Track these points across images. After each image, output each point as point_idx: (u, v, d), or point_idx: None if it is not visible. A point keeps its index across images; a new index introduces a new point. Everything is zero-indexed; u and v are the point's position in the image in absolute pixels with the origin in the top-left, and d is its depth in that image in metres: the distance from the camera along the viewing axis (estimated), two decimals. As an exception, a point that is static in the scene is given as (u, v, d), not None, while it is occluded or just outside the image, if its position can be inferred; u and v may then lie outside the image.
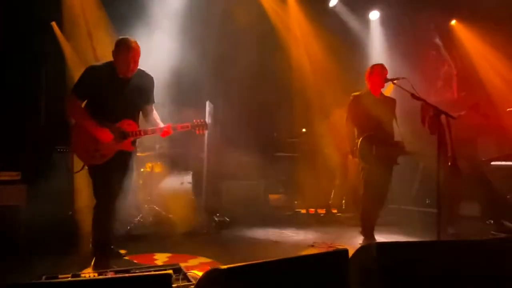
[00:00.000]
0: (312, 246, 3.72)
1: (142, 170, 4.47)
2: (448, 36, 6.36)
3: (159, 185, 4.41)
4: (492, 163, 4.52)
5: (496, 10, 5.29)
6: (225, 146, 5.29)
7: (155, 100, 3.08)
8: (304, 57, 5.96)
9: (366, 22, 6.43)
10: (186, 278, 2.18)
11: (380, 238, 3.73)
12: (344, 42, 5.85)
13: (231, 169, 5.22)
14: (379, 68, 3.61)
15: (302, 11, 6.04)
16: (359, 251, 2.15)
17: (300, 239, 4.08)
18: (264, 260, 1.55)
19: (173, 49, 4.86)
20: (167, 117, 3.46)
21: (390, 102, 3.70)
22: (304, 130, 6.18)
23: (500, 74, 5.56)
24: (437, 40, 6.51)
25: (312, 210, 5.55)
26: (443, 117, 2.73)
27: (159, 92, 3.21)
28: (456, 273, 2.19)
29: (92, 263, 2.76)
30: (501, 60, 5.51)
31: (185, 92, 5.01)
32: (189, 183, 4.61)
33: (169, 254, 3.37)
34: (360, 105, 3.60)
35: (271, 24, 5.91)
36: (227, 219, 4.59)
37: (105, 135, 2.75)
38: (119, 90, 2.82)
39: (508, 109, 4.74)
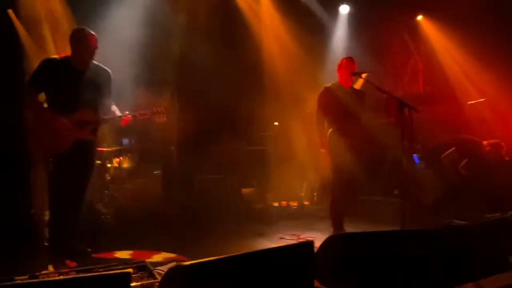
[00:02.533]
0: (282, 238, 3.74)
1: (109, 165, 4.33)
2: (415, 31, 6.54)
3: (127, 180, 4.29)
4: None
5: (459, 7, 5.49)
6: (196, 140, 5.21)
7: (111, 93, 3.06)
8: (275, 50, 5.93)
9: (336, 15, 6.50)
10: (152, 275, 2.13)
11: (350, 229, 3.80)
12: (314, 35, 5.89)
13: (203, 163, 5.15)
14: (349, 62, 3.69)
15: (273, 3, 6.01)
16: (326, 242, 2.17)
17: (270, 232, 4.09)
18: (228, 255, 1.52)
19: (139, 37, 4.69)
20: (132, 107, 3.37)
21: (359, 94, 3.78)
22: (276, 123, 6.19)
23: (462, 69, 5.79)
24: (405, 35, 6.68)
25: (284, 203, 5.58)
26: (406, 109, 2.80)
27: (123, 82, 3.15)
28: (419, 260, 2.27)
29: (50, 263, 2.68)
30: (463, 56, 5.73)
31: (152, 84, 4.86)
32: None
33: (132, 252, 3.27)
34: (330, 97, 3.66)
35: (242, 15, 5.84)
36: (198, 214, 4.54)
37: (62, 124, 2.74)
38: (74, 81, 2.81)
39: (469, 102, 4.96)
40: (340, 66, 3.74)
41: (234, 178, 5.61)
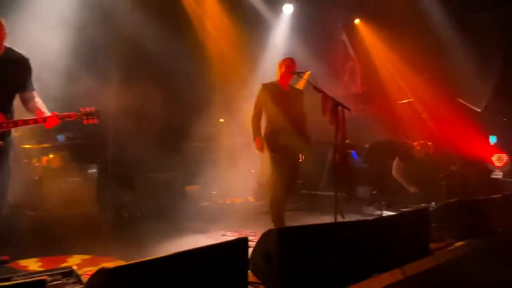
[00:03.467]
0: (224, 235, 3.75)
1: (37, 164, 3.99)
2: (353, 34, 6.91)
3: (58, 180, 3.98)
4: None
5: (392, 13, 5.90)
6: (136, 136, 4.99)
7: (34, 86, 2.73)
8: (219, 46, 5.90)
9: (279, 15, 6.62)
10: (79, 281, 2.01)
11: (291, 223, 3.91)
12: (257, 34, 5.95)
13: (144, 161, 4.95)
14: (289, 61, 3.78)
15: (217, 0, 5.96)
16: (262, 237, 2.22)
17: (213, 230, 4.07)
18: (158, 256, 1.48)
19: (73, 28, 4.38)
20: (63, 104, 3.12)
21: (298, 93, 3.88)
22: (221, 120, 6.17)
23: (395, 71, 6.25)
24: (344, 37, 7.03)
25: (229, 200, 5.60)
26: (340, 108, 2.95)
27: (52, 76, 2.88)
28: (349, 250, 2.40)
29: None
30: (396, 58, 6.18)
31: (87, 78, 4.55)
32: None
33: (59, 256, 3.05)
34: (269, 95, 3.71)
35: (184, 10, 5.71)
36: (138, 214, 4.37)
37: None
38: None
39: (399, 102, 5.36)
40: (280, 65, 3.79)
41: (178, 176, 5.50)
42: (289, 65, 3.74)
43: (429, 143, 5.03)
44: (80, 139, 4.41)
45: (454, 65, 5.57)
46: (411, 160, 5.05)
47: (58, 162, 4.09)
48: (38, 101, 2.73)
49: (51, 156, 4.03)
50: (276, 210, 3.70)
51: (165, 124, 5.41)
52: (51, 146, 4.06)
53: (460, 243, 3.25)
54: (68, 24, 4.37)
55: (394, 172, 5.03)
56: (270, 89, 3.74)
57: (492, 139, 5.75)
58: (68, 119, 2.66)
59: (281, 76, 3.77)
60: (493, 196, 3.97)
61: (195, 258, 1.59)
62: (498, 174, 5.41)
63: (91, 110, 2.70)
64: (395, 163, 5.04)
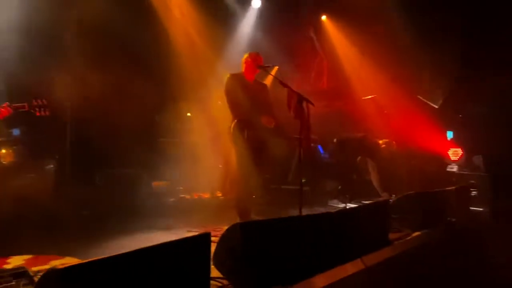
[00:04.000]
0: (190, 231, 3.70)
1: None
2: (320, 30, 7.01)
3: (12, 176, 3.74)
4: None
5: (357, 12, 6.05)
6: (99, 131, 4.79)
7: None
8: (184, 38, 5.78)
9: (248, 9, 6.59)
10: (32, 282, 1.91)
11: (259, 218, 3.93)
12: (225, 27, 5.89)
13: (107, 156, 4.77)
14: (254, 55, 3.80)
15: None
16: (227, 232, 2.20)
17: (179, 226, 4.00)
18: (113, 255, 1.43)
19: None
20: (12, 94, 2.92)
21: (263, 87, 3.91)
22: (188, 114, 6.08)
23: (359, 68, 6.42)
24: (312, 33, 7.12)
25: (196, 195, 5.54)
26: (305, 103, 2.99)
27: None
28: (312, 242, 2.45)
29: None
30: (360, 56, 6.35)
31: (41, 63, 4.26)
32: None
33: (26, 256, 2.91)
34: (236, 85, 3.70)
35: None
36: (98, 211, 4.20)
37: None
38: None
39: (363, 98, 5.52)
40: (246, 58, 3.80)
41: (144, 171, 5.36)
42: (255, 59, 3.75)
43: (393, 142, 5.25)
44: (36, 133, 4.17)
45: (414, 64, 5.81)
46: (377, 158, 5.25)
47: (12, 157, 3.85)
48: None
49: (3, 151, 3.78)
50: (242, 205, 3.70)
51: (130, 118, 5.22)
52: (3, 140, 3.81)
53: (417, 233, 3.41)
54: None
55: (372, 179, 5.20)
56: (237, 79, 3.74)
57: (449, 135, 6.08)
58: (21, 109, 2.52)
59: (246, 69, 3.77)
60: (448, 188, 4.21)
61: (155, 254, 1.55)
62: (453, 168, 5.73)
63: (43, 103, 2.57)
64: (370, 167, 5.22)
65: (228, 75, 3.80)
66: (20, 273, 1.97)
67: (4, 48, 2.52)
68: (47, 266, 2.62)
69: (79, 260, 2.82)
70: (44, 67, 4.06)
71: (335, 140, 5.73)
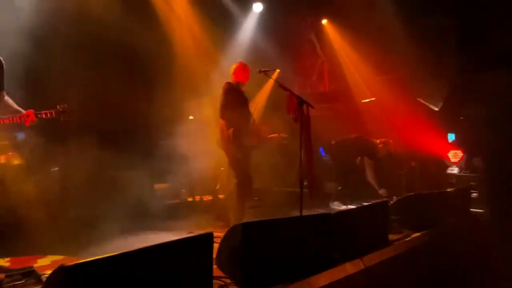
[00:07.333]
0: (191, 233, 3.74)
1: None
2: (321, 34, 7.07)
3: (18, 179, 3.79)
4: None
5: (357, 16, 6.11)
6: (103, 134, 4.85)
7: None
8: (187, 42, 5.84)
9: (249, 13, 6.66)
10: (40, 281, 1.96)
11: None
12: (226, 31, 5.95)
13: (110, 158, 4.82)
14: (243, 65, 3.92)
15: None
16: (228, 232, 2.25)
17: (181, 228, 4.05)
18: (118, 253, 1.48)
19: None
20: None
21: (247, 98, 3.98)
22: (191, 117, 6.12)
23: (359, 71, 6.47)
24: (312, 37, 7.18)
25: (198, 197, 5.58)
26: (305, 106, 3.03)
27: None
28: (314, 243, 2.49)
29: None
30: (360, 60, 6.40)
31: (44, 68, 4.32)
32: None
33: (19, 257, 2.94)
34: (232, 94, 3.77)
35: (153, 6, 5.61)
36: (102, 213, 4.24)
37: None
38: None
39: (362, 101, 5.56)
40: (237, 68, 3.89)
41: (146, 174, 5.40)
42: (245, 69, 3.88)
43: (390, 141, 5.28)
44: (42, 137, 4.23)
45: (413, 67, 5.85)
46: (375, 158, 5.29)
47: (18, 160, 3.91)
48: (9, 101, 2.70)
49: (10, 154, 3.83)
50: (241, 209, 3.72)
51: (133, 121, 5.29)
52: (9, 143, 3.87)
53: (417, 234, 3.44)
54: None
55: (368, 176, 5.25)
56: (235, 88, 3.79)
57: (451, 137, 6.10)
58: (46, 117, 2.60)
59: (239, 79, 3.86)
60: (448, 190, 4.23)
61: (158, 253, 1.60)
62: (454, 169, 5.75)
63: (66, 107, 2.65)
64: (367, 166, 5.27)
65: (227, 84, 3.85)
66: (28, 272, 2.02)
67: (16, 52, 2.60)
68: (42, 265, 2.67)
69: (70, 257, 2.87)
70: (51, 69, 4.15)
71: (333, 142, 5.78)
